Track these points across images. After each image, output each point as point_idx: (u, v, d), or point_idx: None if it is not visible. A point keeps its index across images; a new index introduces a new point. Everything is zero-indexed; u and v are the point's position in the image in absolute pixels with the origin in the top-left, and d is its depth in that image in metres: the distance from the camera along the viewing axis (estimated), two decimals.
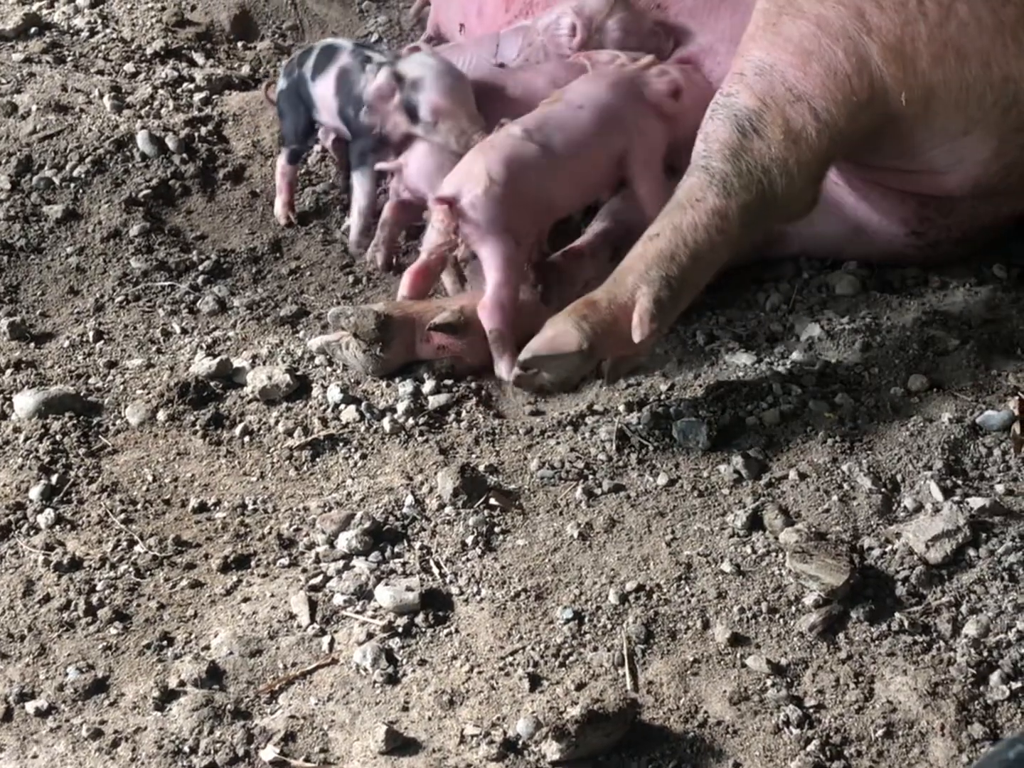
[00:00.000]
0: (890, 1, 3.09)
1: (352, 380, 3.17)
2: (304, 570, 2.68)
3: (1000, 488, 2.82)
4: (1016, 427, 2.95)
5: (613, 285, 3.02)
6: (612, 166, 3.36)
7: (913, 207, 3.41)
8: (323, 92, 3.54)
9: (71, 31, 4.60)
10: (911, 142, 3.19)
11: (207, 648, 2.52)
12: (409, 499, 2.82)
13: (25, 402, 3.09)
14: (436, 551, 2.71)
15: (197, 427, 3.06)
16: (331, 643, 2.52)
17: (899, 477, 2.85)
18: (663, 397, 3.11)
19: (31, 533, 2.79)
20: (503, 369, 3.14)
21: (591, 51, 3.57)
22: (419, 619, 2.55)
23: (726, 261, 3.13)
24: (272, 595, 2.62)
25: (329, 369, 3.21)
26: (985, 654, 2.44)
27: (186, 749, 2.32)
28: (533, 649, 2.48)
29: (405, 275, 3.27)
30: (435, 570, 2.67)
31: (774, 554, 2.66)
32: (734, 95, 3.13)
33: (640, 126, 3.38)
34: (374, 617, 2.56)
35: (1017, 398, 3.03)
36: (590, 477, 2.89)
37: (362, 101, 3.44)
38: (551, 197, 3.23)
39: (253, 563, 2.71)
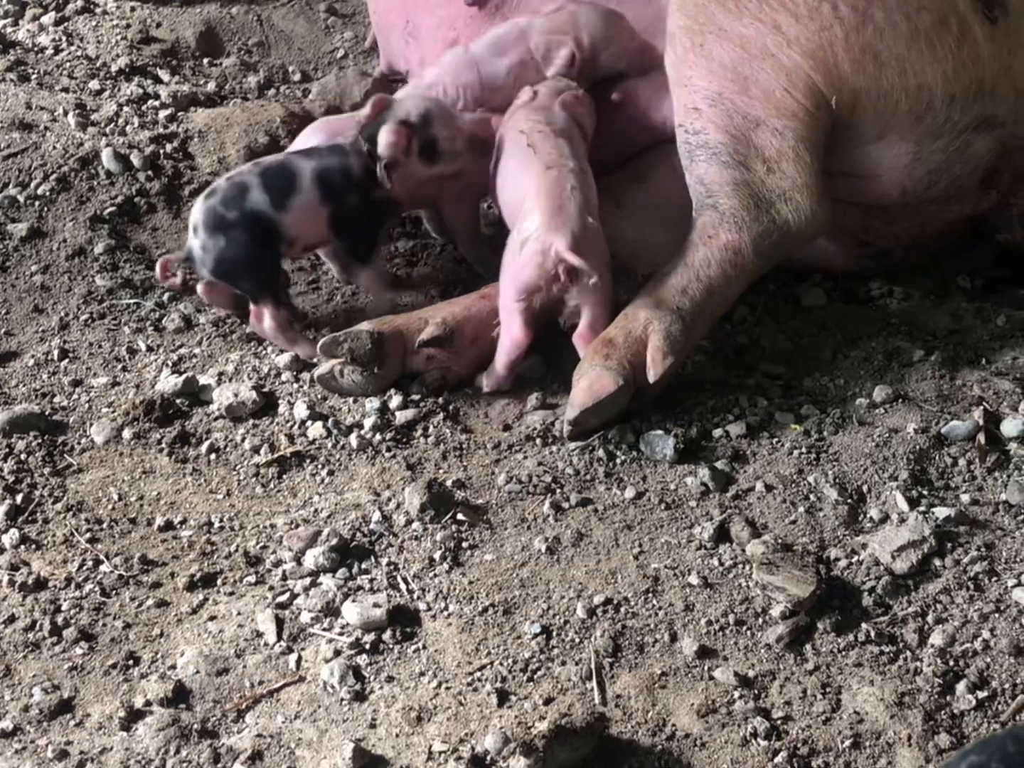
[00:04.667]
0: (804, 9, 3.16)
1: (319, 396, 3.16)
2: (271, 588, 2.67)
3: (965, 498, 2.84)
4: (981, 437, 2.97)
5: (625, 320, 3.07)
6: None
7: (857, 216, 3.45)
8: (304, 209, 3.27)
9: (36, 49, 4.57)
10: (833, 145, 3.24)
11: (173, 667, 2.50)
12: (376, 515, 2.81)
13: None
14: (403, 567, 2.70)
15: (163, 445, 3.05)
16: (298, 661, 2.51)
17: (865, 488, 2.86)
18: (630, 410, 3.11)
19: None
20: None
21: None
22: (387, 635, 2.54)
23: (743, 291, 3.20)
24: (239, 613, 2.61)
25: (296, 385, 3.20)
26: (951, 663, 2.46)
27: None
28: (501, 664, 2.47)
29: (517, 333, 3.11)
30: (402, 586, 2.66)
31: (741, 566, 2.66)
32: (702, 132, 3.21)
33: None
34: (341, 634, 2.55)
35: (981, 408, 3.05)
36: (558, 491, 2.89)
37: (363, 185, 3.30)
38: None
39: (219, 581, 2.70)
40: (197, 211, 3.24)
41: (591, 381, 2.99)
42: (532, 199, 3.13)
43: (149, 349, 3.37)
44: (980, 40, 3.20)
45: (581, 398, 2.99)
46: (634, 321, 3.07)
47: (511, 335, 3.10)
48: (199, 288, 3.38)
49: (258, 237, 3.21)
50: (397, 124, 3.27)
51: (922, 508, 2.79)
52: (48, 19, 4.75)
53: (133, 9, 4.85)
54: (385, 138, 3.26)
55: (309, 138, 3.55)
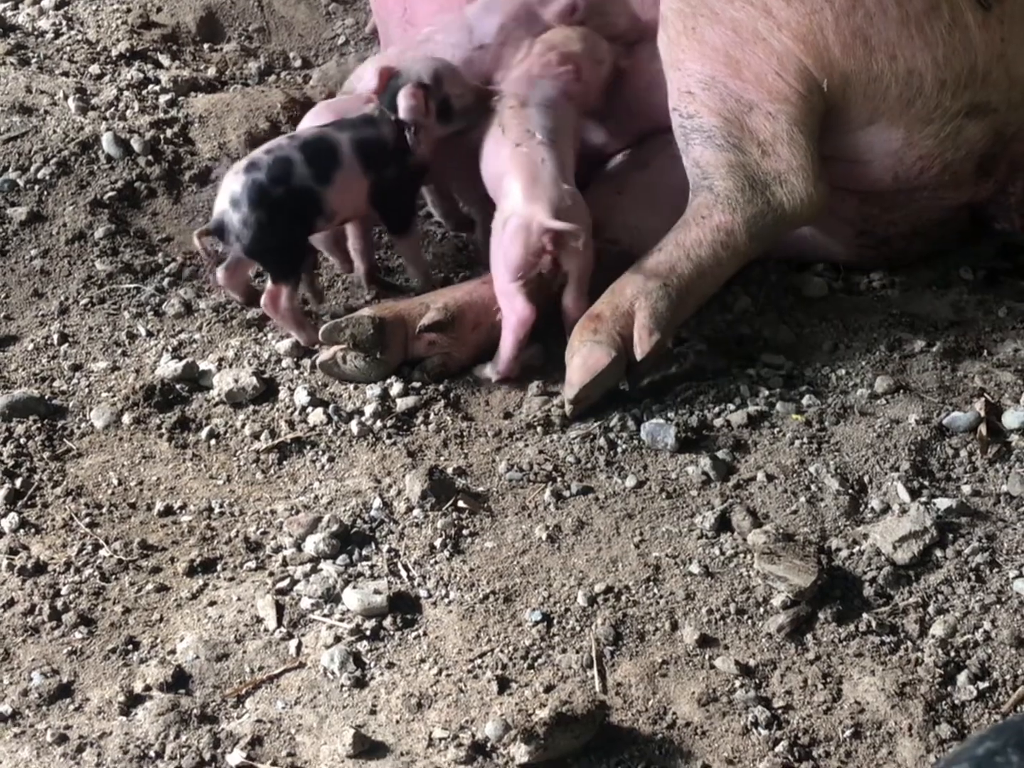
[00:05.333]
0: None
1: (320, 382, 3.15)
2: (271, 573, 2.66)
3: (967, 489, 2.83)
4: (982, 428, 2.96)
5: (612, 296, 3.10)
6: None
7: (854, 204, 3.44)
8: (347, 182, 3.25)
9: (36, 33, 4.56)
10: (824, 130, 3.24)
11: (173, 652, 2.50)
12: (377, 502, 2.81)
13: None
14: (404, 554, 2.70)
15: (163, 430, 3.04)
16: (298, 647, 2.50)
17: (866, 478, 2.86)
18: (631, 399, 3.10)
19: None
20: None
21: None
22: (387, 622, 2.54)
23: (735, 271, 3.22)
24: (239, 599, 2.60)
25: (296, 371, 3.19)
26: (952, 654, 2.45)
27: (152, 754, 2.30)
28: (502, 651, 2.47)
29: (523, 311, 3.10)
30: (403, 573, 2.65)
31: (742, 555, 2.66)
32: (696, 116, 3.22)
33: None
34: (342, 620, 2.54)
35: (983, 399, 3.04)
36: (558, 479, 2.88)
37: (398, 153, 3.29)
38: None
39: (219, 567, 2.69)
40: (237, 184, 3.15)
41: (584, 357, 3.02)
42: (507, 179, 3.15)
43: (149, 334, 3.36)
44: (972, 26, 3.19)
45: (578, 375, 3.01)
46: (621, 296, 3.10)
47: (516, 313, 3.10)
48: (220, 272, 3.31)
49: (300, 215, 3.19)
50: (413, 86, 3.27)
51: (923, 499, 2.78)
52: (48, 3, 4.75)
53: None
54: (404, 101, 3.26)
55: (314, 121, 3.53)
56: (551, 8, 3.58)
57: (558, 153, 3.20)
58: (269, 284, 3.24)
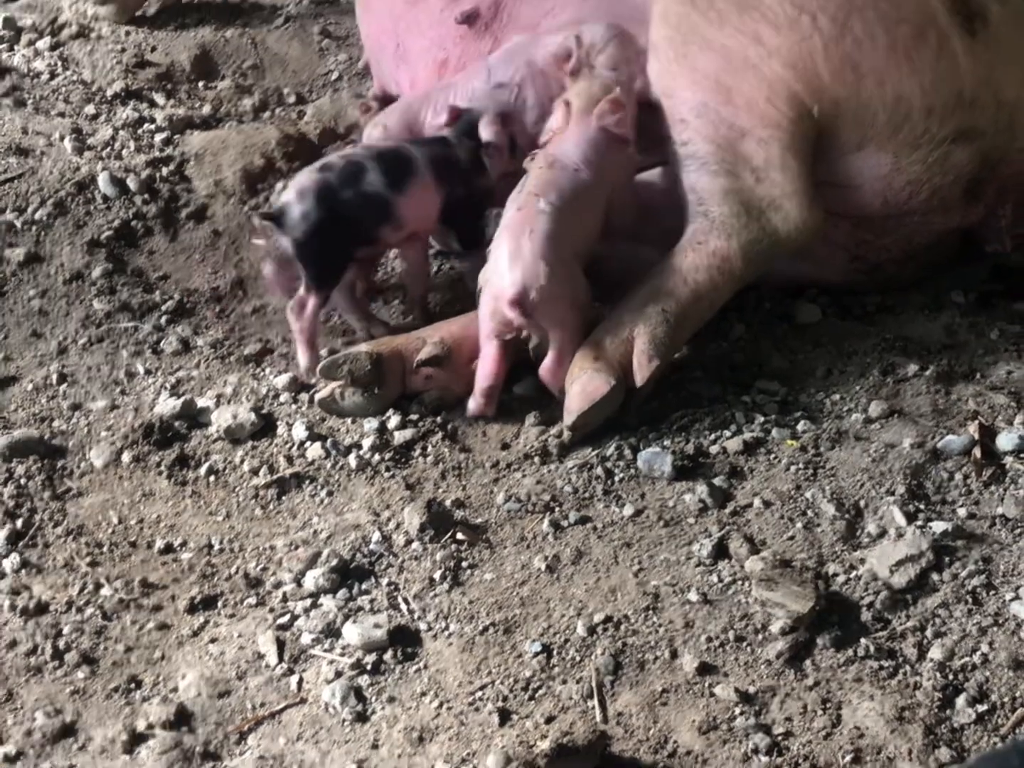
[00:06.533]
0: (784, 20, 3.21)
1: (317, 417, 3.17)
2: (271, 609, 2.67)
3: (962, 512, 2.85)
4: (976, 451, 2.98)
5: (610, 323, 3.15)
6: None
7: (847, 229, 3.46)
8: (421, 193, 3.32)
9: (31, 74, 4.59)
10: (815, 155, 3.27)
11: (175, 690, 2.51)
12: (376, 535, 2.82)
13: None
14: (404, 587, 2.71)
15: (162, 468, 3.06)
16: (299, 682, 2.51)
17: (862, 503, 2.87)
18: (628, 427, 3.12)
19: None
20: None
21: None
22: (387, 656, 2.55)
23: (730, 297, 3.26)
24: (240, 635, 2.61)
25: (294, 407, 3.21)
26: (951, 677, 2.46)
27: None
28: (502, 683, 2.48)
29: (490, 365, 3.14)
30: (403, 606, 2.67)
31: (740, 582, 2.67)
32: (689, 143, 3.25)
33: (618, 167, 3.38)
34: (342, 655, 2.55)
35: (977, 422, 3.06)
36: (556, 509, 2.90)
37: (469, 174, 3.41)
38: (584, 254, 3.23)
39: (220, 603, 2.71)
40: (307, 179, 3.22)
41: (583, 385, 3.04)
42: (496, 240, 3.16)
43: (147, 372, 3.39)
44: (959, 53, 3.23)
45: (577, 403, 3.03)
46: (619, 323, 3.14)
47: (483, 367, 3.15)
48: (267, 267, 3.40)
49: (363, 223, 3.25)
50: (495, 116, 3.44)
51: (919, 522, 2.80)
52: (44, 44, 4.77)
53: (128, 33, 4.87)
54: (489, 127, 3.42)
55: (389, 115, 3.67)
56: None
57: (559, 223, 3.14)
58: (301, 289, 3.26)
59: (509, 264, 3.09)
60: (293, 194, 3.21)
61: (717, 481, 2.94)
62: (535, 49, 3.65)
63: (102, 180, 3.92)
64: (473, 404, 3.17)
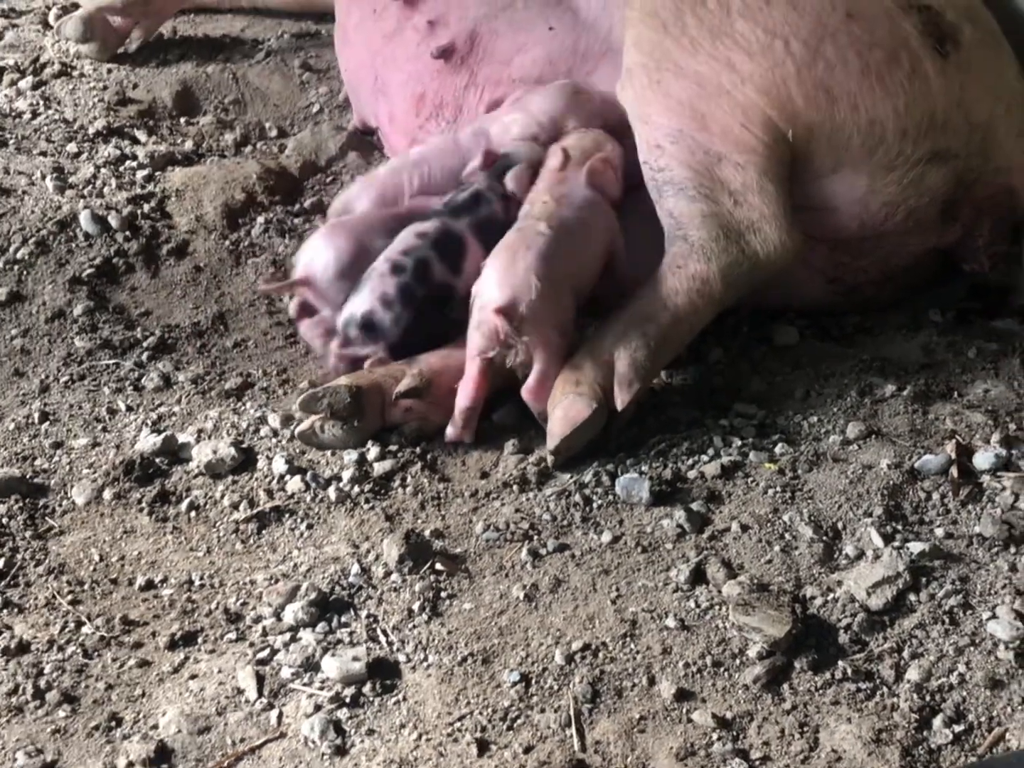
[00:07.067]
0: (757, 46, 3.24)
1: (297, 450, 3.18)
2: (251, 644, 2.68)
3: (940, 532, 2.85)
4: (954, 470, 2.99)
5: (591, 347, 3.17)
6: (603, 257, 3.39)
7: (824, 252, 3.48)
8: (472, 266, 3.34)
9: (13, 114, 4.62)
10: (790, 178, 3.30)
11: (155, 727, 2.51)
12: (355, 568, 2.83)
13: None
14: (383, 619, 2.72)
15: (143, 504, 3.06)
16: (279, 716, 2.52)
17: (840, 525, 2.88)
18: (606, 453, 3.13)
19: None
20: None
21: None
22: (367, 688, 2.55)
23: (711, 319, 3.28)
24: (220, 671, 2.62)
25: (274, 440, 3.22)
26: (928, 698, 2.47)
27: None
28: (480, 713, 2.49)
29: (471, 386, 3.16)
30: (382, 638, 2.67)
31: (717, 607, 2.68)
32: (666, 169, 3.27)
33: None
34: (321, 688, 2.56)
35: (954, 441, 3.07)
36: (535, 537, 2.91)
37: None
38: (578, 290, 3.26)
39: (200, 639, 2.71)
40: (388, 286, 3.27)
41: (565, 409, 3.06)
42: (491, 255, 3.19)
43: (128, 409, 3.40)
44: (931, 75, 3.26)
45: (559, 427, 3.05)
46: (599, 347, 3.16)
47: (464, 388, 3.16)
48: (304, 323, 3.49)
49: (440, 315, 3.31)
50: (527, 165, 3.48)
51: (896, 543, 2.80)
52: (25, 83, 4.80)
53: (110, 71, 4.90)
54: (519, 177, 3.46)
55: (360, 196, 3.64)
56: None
57: (556, 246, 3.18)
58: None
59: (501, 276, 3.13)
60: (378, 302, 3.27)
61: (695, 506, 2.95)
62: (493, 127, 3.70)
63: (84, 218, 3.94)
64: (451, 429, 3.18)
